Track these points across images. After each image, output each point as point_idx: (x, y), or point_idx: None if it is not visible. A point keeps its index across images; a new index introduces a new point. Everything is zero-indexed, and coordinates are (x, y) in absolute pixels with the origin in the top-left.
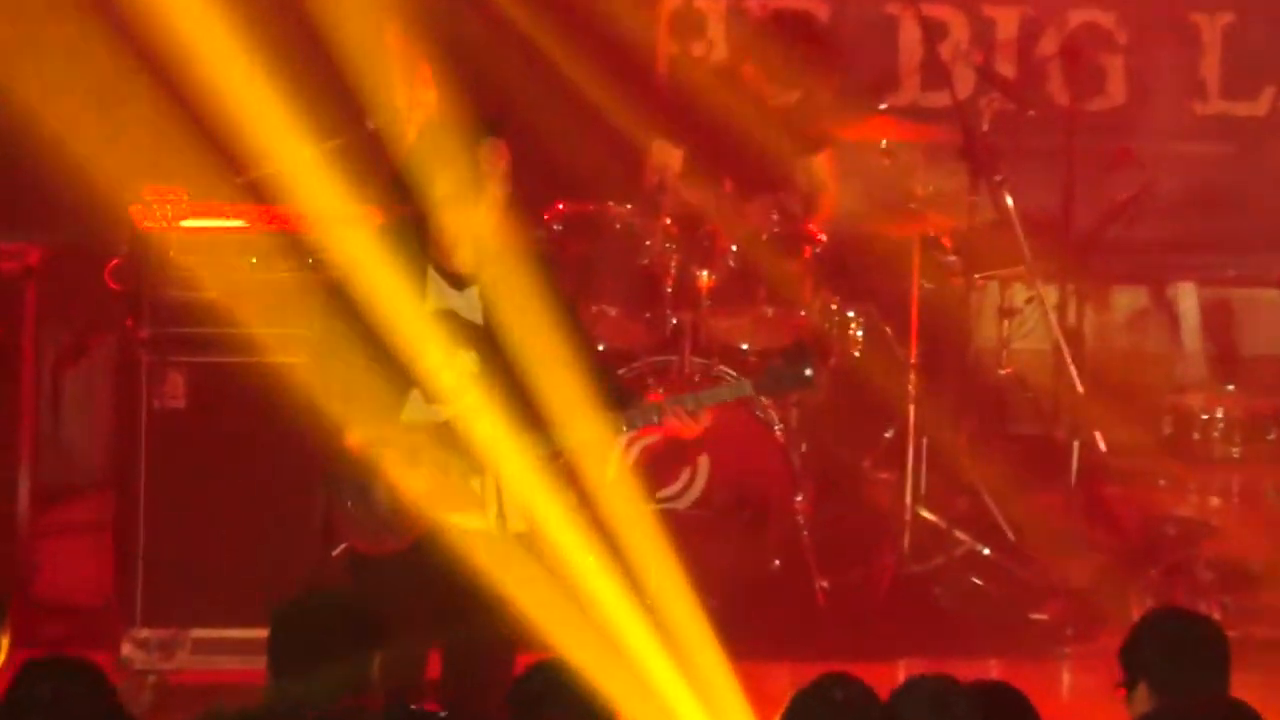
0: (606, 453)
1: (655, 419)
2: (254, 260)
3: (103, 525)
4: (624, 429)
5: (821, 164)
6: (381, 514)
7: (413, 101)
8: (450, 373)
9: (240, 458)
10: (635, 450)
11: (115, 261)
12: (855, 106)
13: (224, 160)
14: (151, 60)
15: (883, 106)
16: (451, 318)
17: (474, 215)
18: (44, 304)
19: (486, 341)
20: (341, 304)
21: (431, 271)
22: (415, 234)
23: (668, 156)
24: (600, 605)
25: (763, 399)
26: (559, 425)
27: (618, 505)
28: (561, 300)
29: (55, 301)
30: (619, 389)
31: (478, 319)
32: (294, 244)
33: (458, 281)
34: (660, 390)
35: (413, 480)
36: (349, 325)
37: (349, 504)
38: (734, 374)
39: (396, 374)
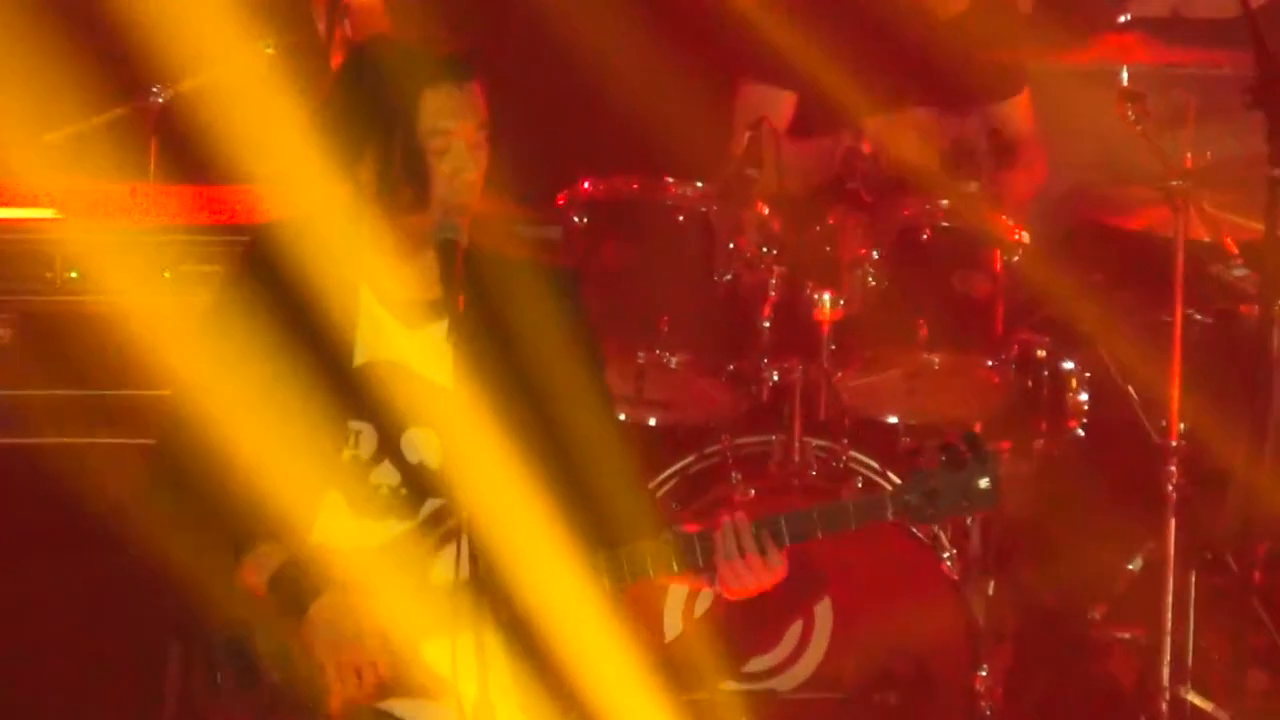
0: (657, 600)
1: (698, 560)
2: (73, 275)
3: None
4: (673, 566)
5: (1019, 113)
6: (277, 694)
7: (339, 11)
8: (394, 467)
9: (46, 595)
10: (708, 595)
11: None
12: (1078, 18)
13: (26, 106)
14: None
15: (1124, 19)
16: (397, 373)
17: (438, 201)
18: None
19: (455, 413)
20: (214, 349)
21: (366, 298)
22: (335, 233)
23: (767, 105)
24: None
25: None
26: (575, 556)
27: (677, 687)
28: (582, 345)
29: None
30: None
31: (442, 375)
32: (141, 246)
33: (409, 316)
34: (751, 492)
35: (331, 643)
36: (224, 385)
37: (223, 677)
38: (876, 466)
39: (304, 468)
